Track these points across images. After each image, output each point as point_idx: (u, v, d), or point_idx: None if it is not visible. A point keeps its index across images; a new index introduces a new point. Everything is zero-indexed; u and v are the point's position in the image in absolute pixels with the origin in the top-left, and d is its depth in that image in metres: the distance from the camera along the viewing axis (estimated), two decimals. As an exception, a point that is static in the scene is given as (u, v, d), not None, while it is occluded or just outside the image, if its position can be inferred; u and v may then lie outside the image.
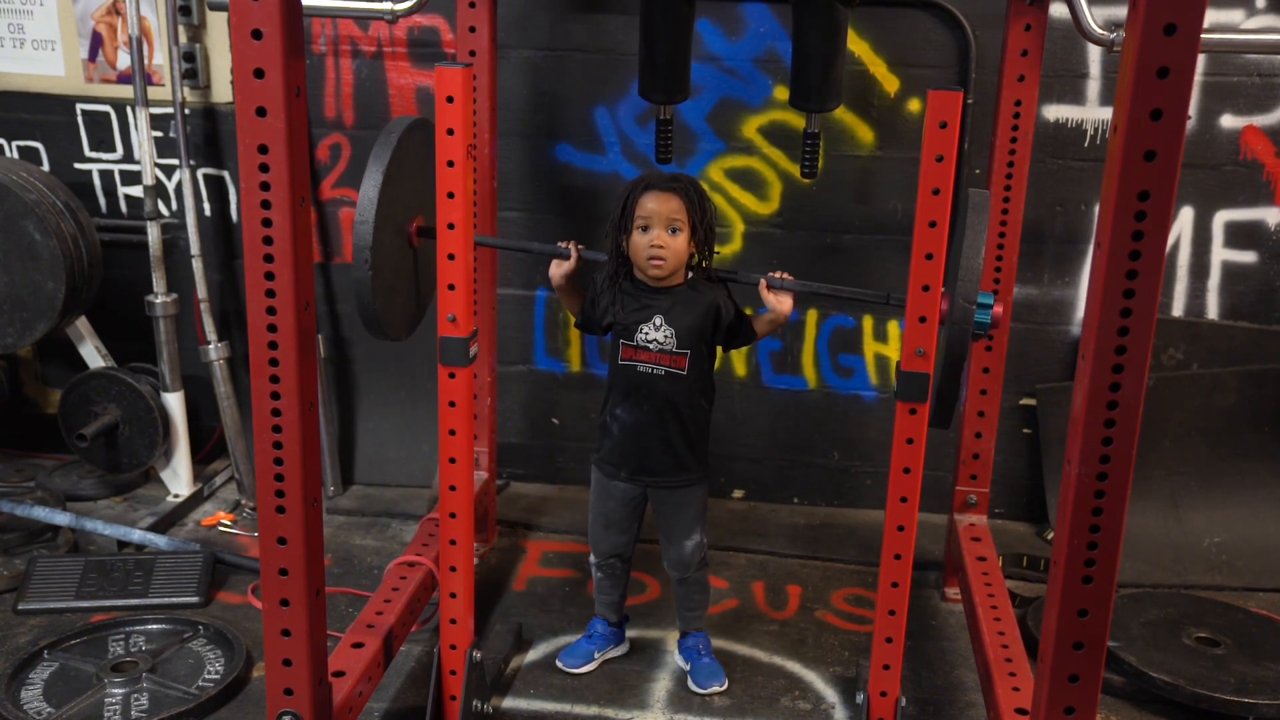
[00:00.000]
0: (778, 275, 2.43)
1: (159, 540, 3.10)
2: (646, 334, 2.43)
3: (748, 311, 2.52)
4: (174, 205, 3.46)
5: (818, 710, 2.55)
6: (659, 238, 2.37)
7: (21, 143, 3.49)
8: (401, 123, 2.34)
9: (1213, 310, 3.30)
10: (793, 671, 2.69)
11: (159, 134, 3.35)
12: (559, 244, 2.51)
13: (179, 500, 3.37)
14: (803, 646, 2.79)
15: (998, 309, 2.18)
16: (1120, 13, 3.03)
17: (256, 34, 1.64)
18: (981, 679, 2.43)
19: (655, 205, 2.36)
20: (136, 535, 3.10)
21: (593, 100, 3.28)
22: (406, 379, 3.52)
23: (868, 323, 3.37)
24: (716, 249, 3.32)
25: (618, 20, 3.21)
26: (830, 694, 2.61)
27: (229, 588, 2.96)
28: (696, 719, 2.51)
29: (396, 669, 2.62)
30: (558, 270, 2.50)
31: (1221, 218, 3.22)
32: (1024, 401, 3.40)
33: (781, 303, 2.42)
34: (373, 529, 3.33)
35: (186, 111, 3.31)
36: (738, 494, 3.58)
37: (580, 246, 2.50)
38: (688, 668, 2.64)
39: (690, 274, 2.45)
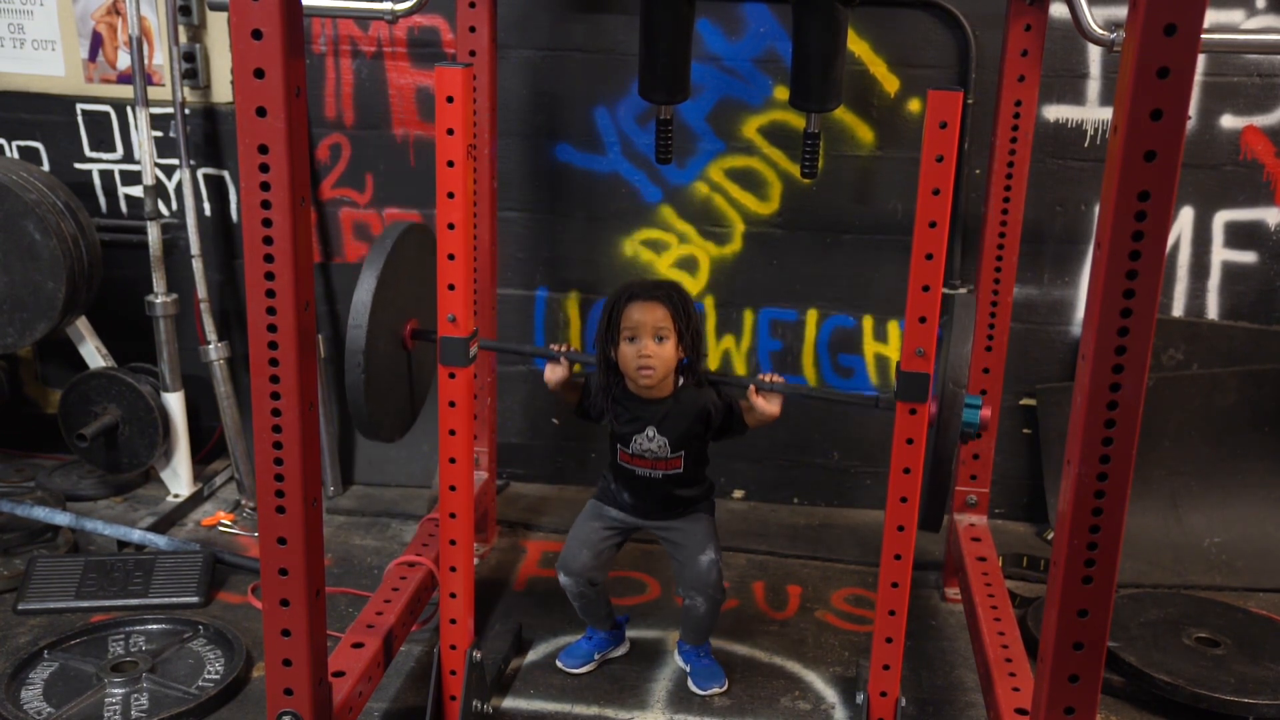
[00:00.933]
0: (767, 378, 2.41)
1: (159, 540, 3.10)
2: (641, 444, 2.48)
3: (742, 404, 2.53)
4: (174, 205, 3.46)
5: (818, 710, 2.55)
6: (647, 347, 2.38)
7: (21, 143, 3.49)
8: (396, 228, 2.38)
9: (1213, 310, 3.30)
10: (793, 671, 2.69)
11: (159, 134, 3.35)
12: (551, 347, 2.54)
13: (179, 500, 3.37)
14: (803, 646, 2.79)
15: (985, 412, 2.20)
16: (1120, 13, 3.03)
17: (256, 34, 1.64)
18: (981, 679, 2.43)
19: (640, 315, 2.37)
20: (136, 535, 3.10)
21: (593, 100, 3.28)
22: (406, 379, 3.52)
23: (868, 323, 3.37)
24: (717, 250, 3.34)
25: (618, 20, 3.21)
26: (830, 694, 2.61)
27: (229, 588, 2.96)
28: (697, 719, 2.51)
29: (396, 669, 2.62)
30: (553, 376, 2.51)
31: (1221, 218, 3.22)
32: (1024, 401, 3.40)
33: (770, 405, 2.40)
34: (373, 529, 3.33)
35: (186, 111, 3.31)
36: (738, 494, 3.58)
37: (569, 348, 2.52)
38: (688, 668, 2.64)
39: (680, 379, 2.46)
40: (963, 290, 3.21)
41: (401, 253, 2.37)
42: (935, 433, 2.18)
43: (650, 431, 2.46)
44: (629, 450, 2.49)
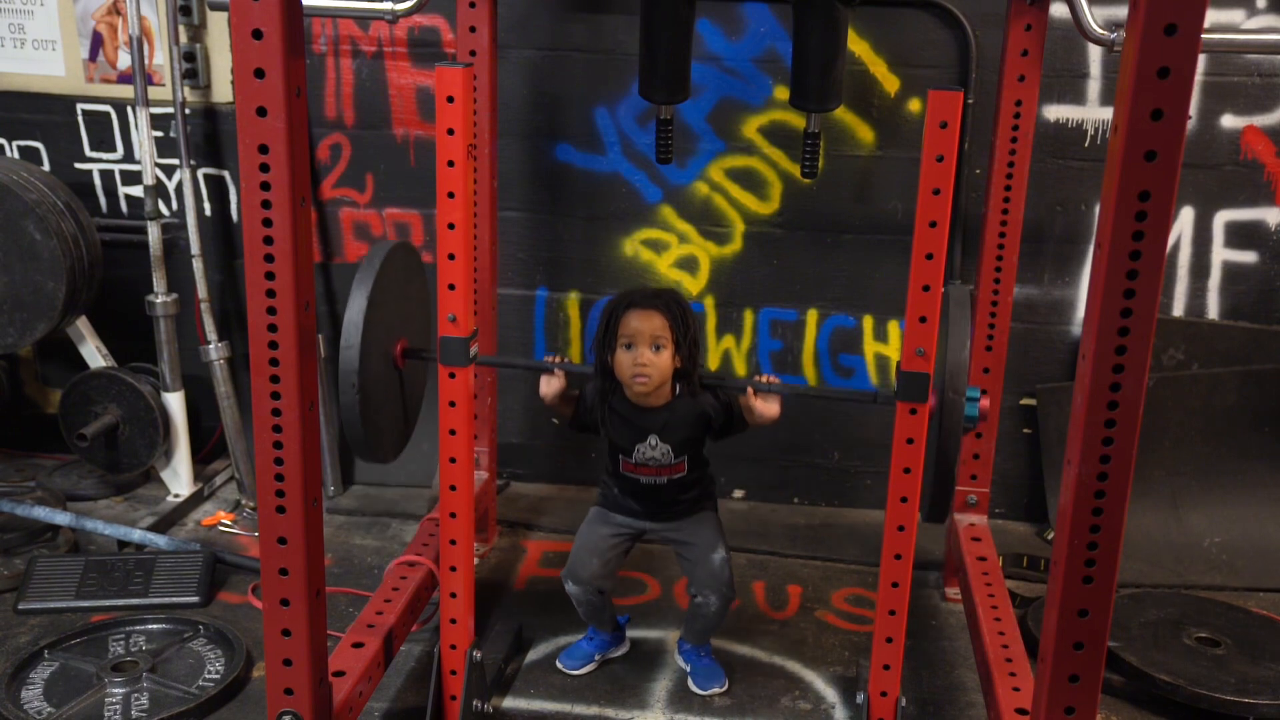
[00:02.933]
0: (764, 379, 2.40)
1: (159, 540, 3.10)
2: (644, 453, 2.47)
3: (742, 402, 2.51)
4: (174, 205, 3.46)
5: (818, 710, 2.55)
6: (643, 355, 2.37)
7: (22, 143, 3.49)
8: (383, 247, 2.36)
9: (1213, 310, 3.30)
10: (793, 671, 2.69)
11: (159, 134, 3.35)
12: (546, 359, 2.50)
13: (179, 500, 3.37)
14: (803, 646, 2.79)
15: (984, 403, 2.20)
16: (1120, 13, 3.03)
17: (257, 34, 1.64)
18: (981, 679, 2.43)
19: (638, 324, 2.36)
20: (136, 535, 3.10)
21: (593, 100, 3.28)
22: (407, 379, 3.52)
23: (868, 323, 3.37)
24: (716, 250, 3.33)
25: (618, 20, 3.21)
26: (830, 694, 2.61)
27: (229, 588, 2.96)
28: (697, 719, 2.51)
29: (396, 669, 2.62)
30: (548, 389, 2.48)
31: (1222, 218, 3.22)
32: (1024, 401, 3.40)
33: (769, 408, 2.40)
34: (373, 529, 3.33)
35: (187, 111, 3.31)
36: (738, 494, 3.58)
37: (563, 359, 2.50)
38: (688, 668, 2.64)
39: (678, 386, 2.45)
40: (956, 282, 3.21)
41: (389, 272, 2.36)
42: (937, 426, 2.18)
43: (653, 440, 2.46)
44: (632, 460, 2.49)
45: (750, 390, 2.39)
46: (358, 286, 2.29)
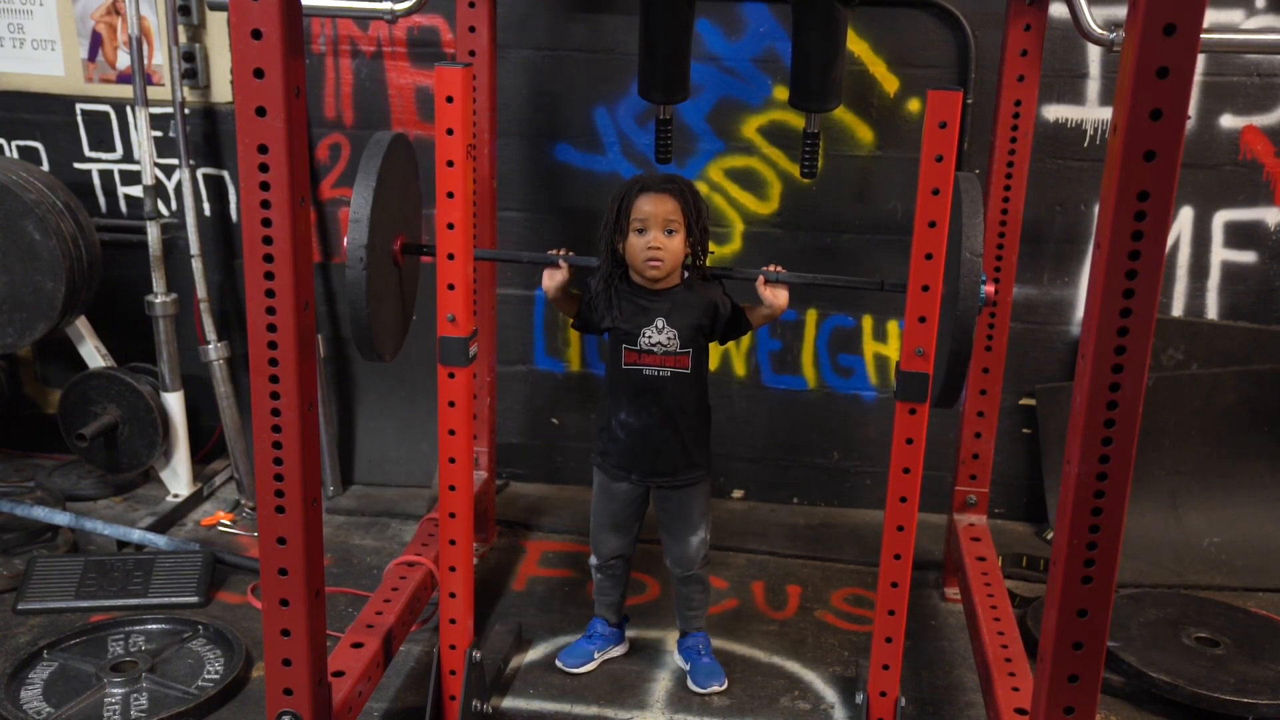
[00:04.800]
0: (773, 269, 2.43)
1: (159, 540, 3.10)
2: (650, 337, 2.44)
3: (743, 305, 2.52)
4: (174, 205, 3.46)
5: (817, 710, 2.55)
6: (656, 239, 2.37)
7: (21, 143, 3.49)
8: (386, 135, 2.33)
9: (1212, 310, 3.30)
10: (792, 671, 2.69)
11: (159, 134, 3.35)
12: (549, 252, 2.50)
13: (179, 500, 3.37)
14: (802, 646, 2.79)
15: (990, 288, 2.19)
16: (1120, 13, 3.03)
17: (256, 34, 1.64)
18: (981, 679, 2.43)
19: (651, 207, 2.36)
20: (136, 535, 3.10)
21: (592, 100, 3.28)
22: (406, 379, 3.52)
23: (867, 322, 3.37)
24: (716, 249, 3.33)
25: (618, 20, 3.21)
26: (830, 694, 2.61)
27: (229, 588, 2.96)
28: (696, 719, 2.51)
29: (396, 669, 2.62)
30: (551, 282, 2.48)
31: (1221, 218, 3.22)
32: (1024, 401, 3.40)
33: (778, 296, 2.42)
34: (372, 529, 3.33)
35: (186, 111, 3.30)
36: (738, 494, 3.58)
37: (569, 252, 2.50)
38: (687, 668, 2.65)
39: (686, 274, 2.45)
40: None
41: (390, 163, 2.31)
42: (953, 305, 2.15)
43: (660, 323, 2.43)
44: (636, 348, 2.44)
45: (761, 279, 2.40)
46: (365, 164, 2.24)
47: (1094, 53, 3.13)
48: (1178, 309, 3.30)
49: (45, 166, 3.49)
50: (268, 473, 1.83)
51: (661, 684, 2.63)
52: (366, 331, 2.27)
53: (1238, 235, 3.23)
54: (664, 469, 2.53)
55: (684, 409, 2.49)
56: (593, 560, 2.66)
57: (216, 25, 3.34)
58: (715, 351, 3.43)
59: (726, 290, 2.50)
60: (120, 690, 2.47)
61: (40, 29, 3.40)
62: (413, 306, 2.58)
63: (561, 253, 2.48)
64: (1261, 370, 3.26)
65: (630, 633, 2.77)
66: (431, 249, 2.29)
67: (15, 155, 3.49)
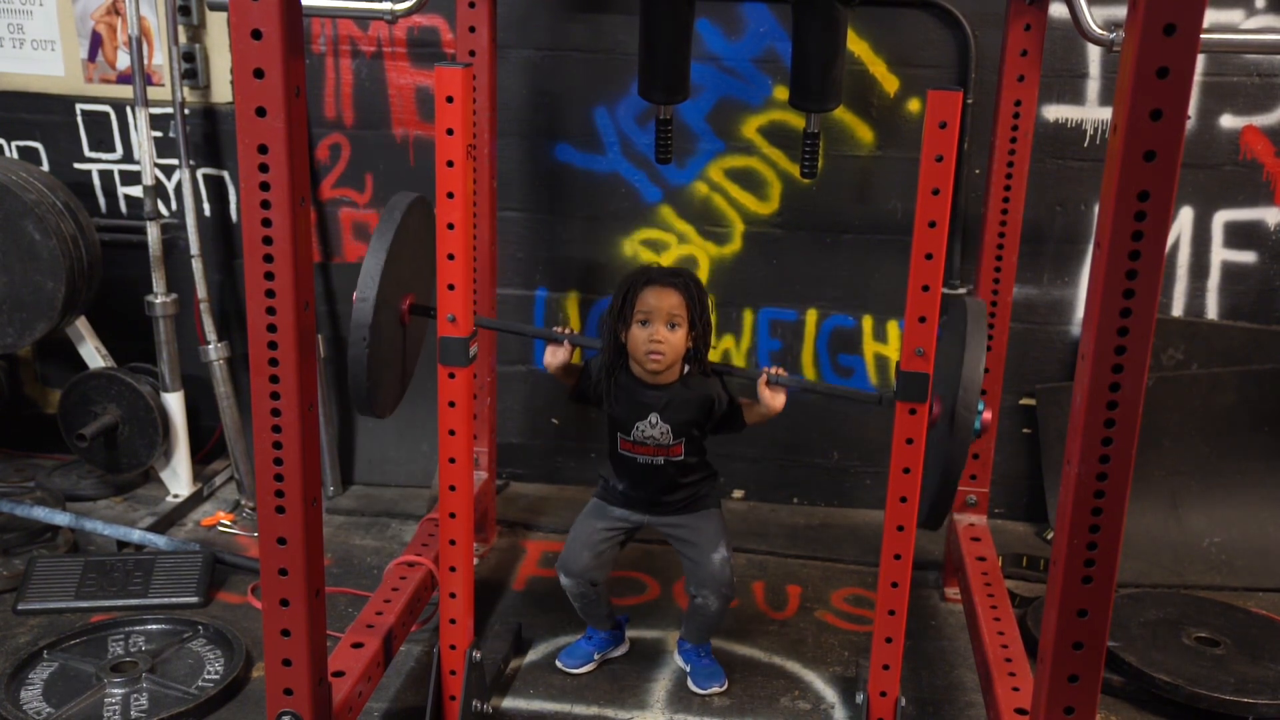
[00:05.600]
0: (775, 370, 2.42)
1: (159, 540, 3.10)
2: (643, 431, 2.46)
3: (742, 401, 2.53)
4: (174, 205, 3.46)
5: (817, 710, 2.55)
6: (658, 333, 2.38)
7: (21, 143, 3.49)
8: (404, 199, 2.36)
9: (1212, 310, 3.30)
10: (793, 671, 2.69)
11: (159, 134, 3.35)
12: (554, 329, 2.53)
13: (179, 500, 3.37)
14: (803, 646, 2.79)
15: (986, 415, 2.22)
16: (1120, 13, 3.03)
17: (256, 34, 1.64)
18: (981, 679, 2.43)
19: (656, 300, 2.37)
20: (136, 535, 3.10)
21: (592, 100, 3.28)
22: (406, 379, 3.52)
23: (867, 323, 3.37)
24: (716, 250, 3.33)
25: (618, 20, 3.21)
26: (830, 694, 2.61)
27: (229, 588, 2.96)
28: (696, 719, 2.51)
29: (396, 669, 2.62)
30: (553, 359, 2.50)
31: (1221, 218, 3.22)
32: (1024, 401, 3.40)
33: (775, 399, 2.42)
34: (372, 529, 3.33)
35: (186, 111, 3.31)
36: (738, 494, 3.58)
37: (571, 331, 2.53)
38: (687, 668, 2.64)
39: (687, 367, 2.46)
40: (963, 290, 3.21)
41: (406, 226, 2.35)
42: (945, 436, 2.18)
43: (653, 418, 2.45)
44: (630, 438, 2.48)
45: (763, 379, 2.40)
46: (377, 239, 2.28)
47: (1094, 53, 3.14)
48: (1178, 309, 3.30)
49: (45, 166, 3.49)
50: (268, 473, 1.83)
51: (661, 684, 2.63)
52: (365, 399, 2.32)
53: (1238, 235, 3.23)
54: (667, 509, 2.56)
55: (683, 479, 2.53)
56: (563, 580, 2.59)
57: (216, 25, 3.34)
58: (715, 352, 3.43)
59: (725, 385, 2.50)
60: (120, 690, 2.47)
61: (40, 29, 3.40)
62: (415, 364, 2.59)
63: (565, 330, 2.51)
64: (1261, 370, 3.26)
65: (630, 633, 2.77)
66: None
67: (15, 155, 3.49)
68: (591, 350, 2.54)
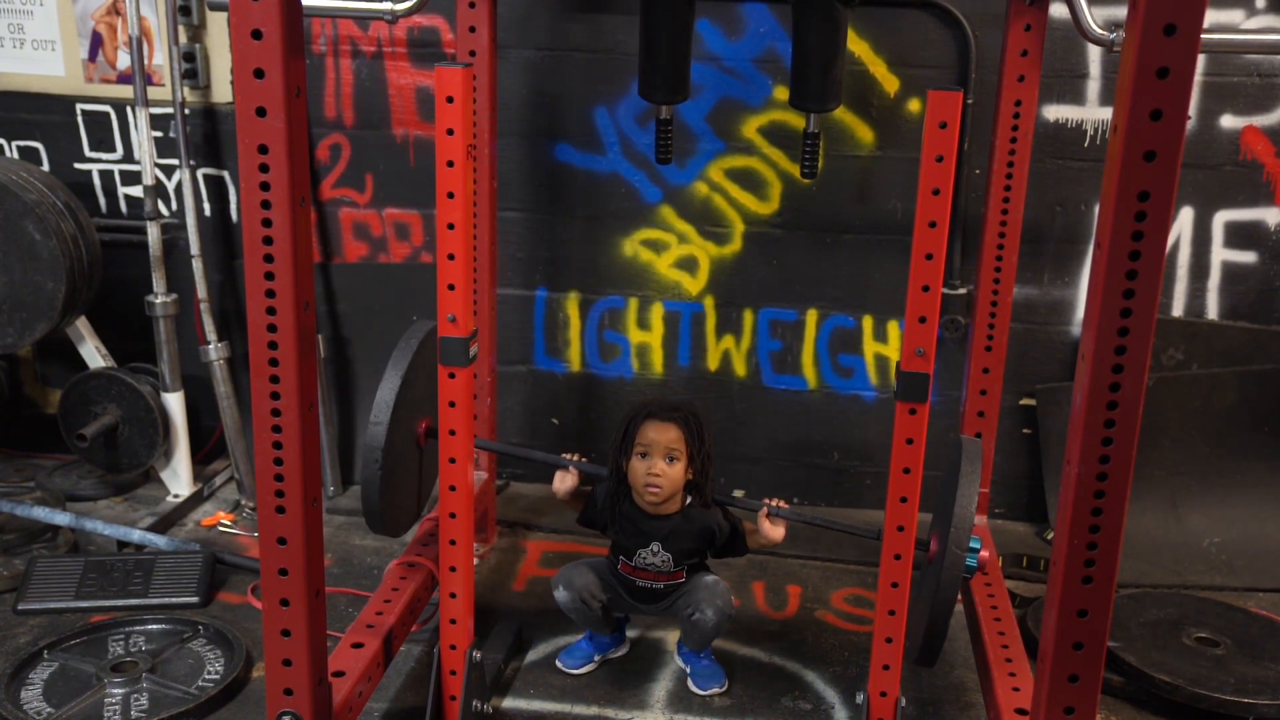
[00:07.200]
0: (775, 503, 2.50)
1: (159, 540, 3.10)
2: (644, 559, 2.53)
3: (746, 526, 2.58)
4: (174, 205, 3.46)
5: (817, 710, 2.55)
6: (657, 466, 2.43)
7: (21, 143, 3.49)
8: (421, 328, 2.43)
9: (1213, 310, 3.30)
10: (793, 671, 2.69)
11: (159, 134, 3.35)
12: (562, 455, 2.60)
13: (179, 500, 3.37)
14: (803, 646, 2.79)
15: (984, 554, 2.24)
16: (1120, 13, 3.03)
17: (256, 34, 1.64)
18: (981, 679, 2.43)
19: (655, 434, 2.43)
20: (136, 535, 3.10)
21: (593, 100, 3.28)
22: (406, 379, 3.52)
23: (868, 323, 3.37)
24: (716, 250, 3.34)
25: (618, 20, 3.21)
26: (830, 694, 2.61)
27: (229, 588, 2.96)
28: (697, 719, 2.51)
29: (396, 669, 2.62)
30: (561, 485, 2.58)
31: (1221, 218, 3.22)
32: (1024, 401, 3.40)
33: (775, 531, 2.51)
34: (373, 529, 3.33)
35: (186, 111, 3.31)
36: (738, 494, 3.57)
37: (580, 458, 2.59)
38: (688, 669, 2.65)
39: (688, 499, 2.50)
40: (963, 290, 3.21)
41: (422, 353, 2.43)
42: (940, 568, 2.21)
43: (655, 547, 2.51)
44: (631, 563, 2.54)
45: (764, 512, 2.48)
46: (392, 366, 2.38)
47: (1094, 53, 3.13)
48: (1178, 309, 3.30)
49: (45, 166, 3.49)
50: (268, 473, 1.83)
51: (661, 684, 2.63)
52: (378, 519, 2.40)
53: (1238, 235, 3.23)
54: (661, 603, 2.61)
55: (684, 590, 2.57)
56: (559, 594, 2.56)
57: (216, 25, 3.34)
58: (715, 353, 3.44)
59: (728, 514, 2.55)
60: (120, 690, 2.47)
61: (40, 29, 3.40)
62: (432, 484, 2.61)
63: (573, 458, 2.58)
64: (1261, 370, 3.26)
65: (630, 633, 2.77)
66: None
67: (15, 155, 3.49)
68: (599, 478, 2.58)
